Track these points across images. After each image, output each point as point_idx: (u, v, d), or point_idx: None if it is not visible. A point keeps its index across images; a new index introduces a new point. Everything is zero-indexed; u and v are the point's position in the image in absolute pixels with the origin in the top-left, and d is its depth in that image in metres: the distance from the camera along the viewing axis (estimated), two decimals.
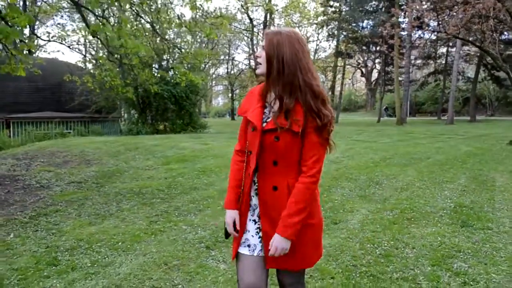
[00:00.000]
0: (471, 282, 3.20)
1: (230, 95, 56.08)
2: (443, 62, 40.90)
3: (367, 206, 5.49)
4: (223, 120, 51.42)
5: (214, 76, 56.33)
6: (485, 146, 12.56)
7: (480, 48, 15.21)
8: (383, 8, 36.34)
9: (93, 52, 31.27)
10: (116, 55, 8.80)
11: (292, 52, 1.77)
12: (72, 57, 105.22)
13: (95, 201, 5.71)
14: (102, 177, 7.31)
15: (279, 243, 1.79)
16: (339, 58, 40.87)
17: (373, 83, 55.44)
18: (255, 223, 1.95)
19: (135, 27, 8.93)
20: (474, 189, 6.45)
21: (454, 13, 13.19)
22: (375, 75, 54.89)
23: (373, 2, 38.56)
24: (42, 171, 7.49)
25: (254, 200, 1.94)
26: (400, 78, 33.50)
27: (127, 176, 7.51)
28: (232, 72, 51.82)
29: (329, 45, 43.90)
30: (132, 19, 9.52)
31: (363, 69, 55.68)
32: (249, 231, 1.95)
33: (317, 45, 46.99)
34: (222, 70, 56.08)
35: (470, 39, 15.24)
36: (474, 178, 7.26)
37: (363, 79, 60.80)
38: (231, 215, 1.97)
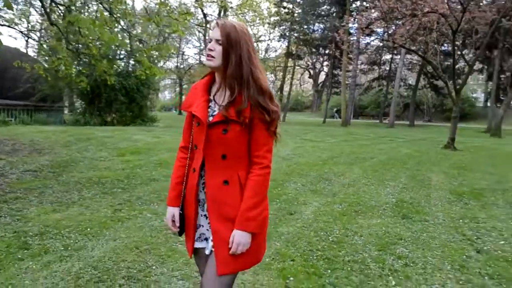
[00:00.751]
0: (411, 264, 3.66)
1: (178, 89, 55.76)
2: (387, 68, 42.89)
3: (318, 200, 5.92)
4: (169, 114, 50.89)
5: (162, 69, 55.52)
6: (423, 149, 13.54)
7: (423, 58, 16.28)
8: (334, 13, 37.55)
9: (37, 38, 29.97)
10: (73, 44, 8.70)
11: (247, 48, 1.80)
12: (11, 42, 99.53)
13: (55, 189, 5.74)
14: (57, 166, 7.27)
15: (241, 238, 1.76)
16: (289, 59, 41.81)
17: (320, 85, 56.97)
18: (206, 218, 1.91)
19: (93, 16, 8.86)
20: (413, 186, 7.08)
21: (402, 24, 14.04)
22: (322, 77, 56.43)
23: (325, 7, 39.70)
24: None
25: (202, 195, 1.91)
26: (346, 82, 34.81)
27: (83, 166, 7.52)
28: (182, 66, 51.53)
29: (280, 45, 44.65)
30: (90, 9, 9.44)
31: (311, 71, 57.04)
32: (203, 225, 1.93)
33: (267, 44, 47.79)
34: (170, 64, 55.55)
35: (414, 49, 16.22)
36: (413, 177, 7.93)
37: (311, 80, 62.27)
38: (171, 211, 1.99)
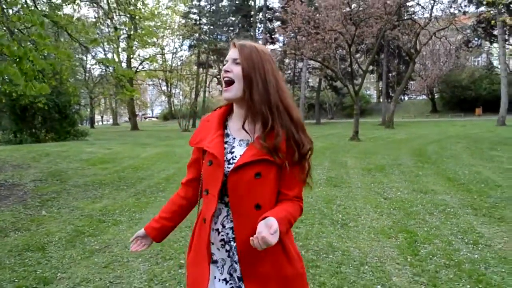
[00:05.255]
0: (347, 208, 6.00)
1: (84, 101, 55.18)
2: (291, 73, 46.73)
3: None
4: (85, 127, 50.31)
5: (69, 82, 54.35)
6: (334, 142, 16.49)
7: (327, 67, 19.38)
8: (240, 24, 40.36)
9: None
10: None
11: (271, 70, 1.54)
12: None
13: (76, 190, 7.30)
14: (53, 176, 8.66)
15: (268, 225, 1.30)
16: (201, 69, 43.88)
17: None
18: (226, 283, 1.52)
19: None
20: (335, 168, 9.60)
21: (309, 40, 16.88)
22: None
23: (230, 18, 42.38)
24: None
25: (220, 254, 1.53)
26: None
27: (73, 174, 8.97)
28: (90, 78, 51.06)
29: (191, 54, 46.43)
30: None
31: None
32: None
33: (173, 54, 49.09)
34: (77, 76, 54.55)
35: (319, 59, 19.24)
36: (333, 162, 10.49)
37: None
38: (141, 234, 1.79)
